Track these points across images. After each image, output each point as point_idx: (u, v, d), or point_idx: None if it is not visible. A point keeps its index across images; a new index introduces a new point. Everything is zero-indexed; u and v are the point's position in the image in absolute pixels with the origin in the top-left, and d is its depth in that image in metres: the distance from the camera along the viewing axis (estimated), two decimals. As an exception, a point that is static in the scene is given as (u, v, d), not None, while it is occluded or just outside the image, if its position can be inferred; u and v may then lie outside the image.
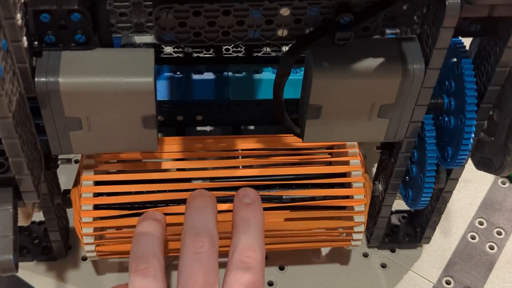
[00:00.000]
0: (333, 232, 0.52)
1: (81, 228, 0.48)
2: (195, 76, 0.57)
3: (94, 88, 0.40)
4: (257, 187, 0.49)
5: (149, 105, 0.41)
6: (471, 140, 0.44)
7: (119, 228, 0.50)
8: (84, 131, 0.42)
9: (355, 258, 0.58)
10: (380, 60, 0.41)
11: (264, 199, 0.49)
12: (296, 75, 0.55)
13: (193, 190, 0.48)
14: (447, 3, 0.38)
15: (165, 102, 0.57)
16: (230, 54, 0.58)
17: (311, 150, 0.51)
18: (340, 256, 0.57)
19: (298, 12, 0.40)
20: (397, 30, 0.49)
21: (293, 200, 0.50)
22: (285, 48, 0.59)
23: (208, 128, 0.65)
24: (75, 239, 0.57)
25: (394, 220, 0.59)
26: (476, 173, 0.52)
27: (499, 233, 0.60)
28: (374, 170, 0.56)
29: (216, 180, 0.50)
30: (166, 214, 0.48)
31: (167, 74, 0.57)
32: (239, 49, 0.58)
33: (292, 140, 0.50)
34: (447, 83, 0.46)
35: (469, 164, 0.49)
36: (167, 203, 0.49)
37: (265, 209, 0.50)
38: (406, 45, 0.42)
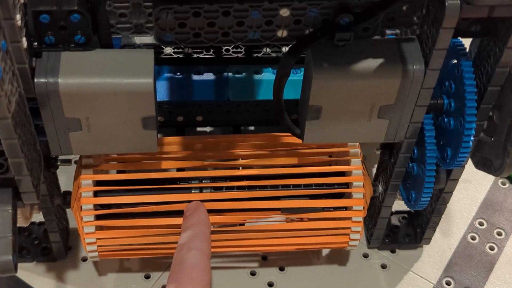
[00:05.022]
0: (331, 232, 0.52)
1: (82, 227, 0.48)
2: (195, 77, 0.57)
3: (93, 89, 0.40)
4: (256, 187, 0.49)
5: (149, 106, 0.41)
6: (471, 142, 0.44)
7: (119, 228, 0.50)
8: (84, 132, 0.42)
9: (355, 259, 0.57)
10: (380, 60, 0.41)
11: (263, 199, 0.49)
12: (296, 76, 0.56)
13: (191, 189, 0.49)
14: (446, 3, 0.38)
15: (165, 103, 0.57)
16: (230, 54, 0.58)
17: (312, 150, 0.51)
18: (340, 257, 0.57)
19: (297, 13, 0.40)
20: (397, 31, 0.49)
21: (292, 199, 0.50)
22: (285, 49, 0.59)
23: (208, 129, 0.65)
24: (75, 240, 0.57)
25: (394, 220, 0.59)
26: (476, 173, 0.52)
27: (499, 234, 0.60)
28: (374, 170, 0.56)
29: (216, 181, 0.50)
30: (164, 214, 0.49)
31: (167, 74, 0.57)
32: (239, 49, 0.58)
33: (293, 139, 0.50)
34: (447, 84, 0.46)
35: (469, 165, 0.49)
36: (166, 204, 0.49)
37: (264, 209, 0.50)
38: (406, 45, 0.42)
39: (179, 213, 0.49)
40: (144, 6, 0.41)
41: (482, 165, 0.48)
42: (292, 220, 0.52)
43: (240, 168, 0.50)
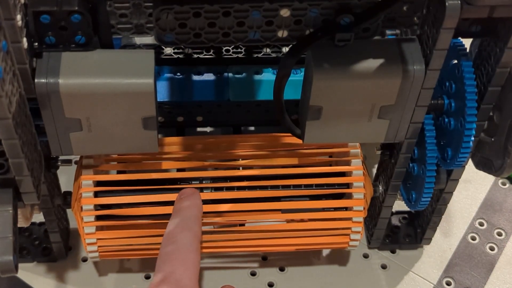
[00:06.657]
0: (332, 232, 0.52)
1: (83, 227, 0.48)
2: (195, 77, 0.57)
3: (94, 89, 0.40)
4: (257, 188, 0.49)
5: (149, 106, 0.41)
6: (471, 143, 0.44)
7: (119, 228, 0.50)
8: (84, 132, 0.42)
9: (355, 259, 0.57)
10: (380, 61, 0.41)
11: (264, 199, 0.50)
12: (297, 76, 0.56)
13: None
14: (447, 4, 0.38)
15: (166, 103, 0.57)
16: (230, 55, 0.58)
17: (313, 150, 0.51)
18: (340, 257, 0.57)
19: (298, 13, 0.40)
20: (397, 31, 0.49)
21: (292, 199, 0.50)
22: (285, 49, 0.59)
23: (208, 129, 0.65)
24: (75, 240, 0.57)
25: (395, 221, 0.59)
26: (476, 174, 0.52)
27: (499, 234, 0.60)
28: (374, 171, 0.56)
29: (217, 181, 0.50)
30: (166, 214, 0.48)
31: (167, 75, 0.57)
32: (239, 50, 0.58)
33: (293, 140, 0.50)
34: (447, 84, 0.46)
35: (470, 165, 0.49)
36: (167, 204, 0.49)
37: (264, 210, 0.50)
38: (406, 46, 0.42)
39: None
40: (144, 7, 0.41)
41: (483, 165, 0.48)
42: (292, 221, 0.52)
43: (241, 168, 0.50)
